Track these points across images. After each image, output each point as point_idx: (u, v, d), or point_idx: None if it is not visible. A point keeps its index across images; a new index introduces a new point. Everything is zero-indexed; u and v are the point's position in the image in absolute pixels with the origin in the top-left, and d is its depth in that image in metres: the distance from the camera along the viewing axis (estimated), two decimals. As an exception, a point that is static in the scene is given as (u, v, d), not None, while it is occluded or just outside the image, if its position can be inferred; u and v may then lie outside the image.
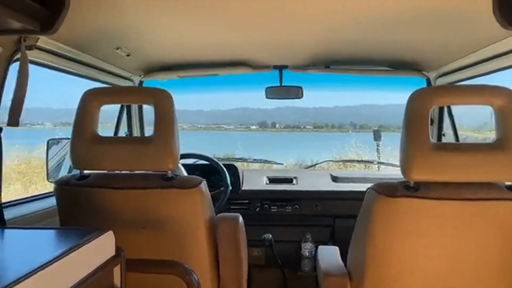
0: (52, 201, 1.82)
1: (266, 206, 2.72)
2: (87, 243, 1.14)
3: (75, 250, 1.07)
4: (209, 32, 1.91)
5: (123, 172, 1.60)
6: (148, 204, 1.52)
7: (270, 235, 2.54)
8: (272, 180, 2.89)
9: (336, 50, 2.21)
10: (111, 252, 1.29)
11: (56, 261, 0.97)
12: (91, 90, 1.56)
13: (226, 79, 2.72)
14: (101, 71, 2.17)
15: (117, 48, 1.96)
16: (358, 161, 3.85)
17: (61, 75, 1.92)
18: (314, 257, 2.62)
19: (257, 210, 2.72)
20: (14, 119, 1.39)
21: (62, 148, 2.57)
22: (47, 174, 2.40)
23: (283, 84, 2.63)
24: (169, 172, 1.53)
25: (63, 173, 2.43)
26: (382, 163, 3.22)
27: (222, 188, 2.49)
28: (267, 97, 2.67)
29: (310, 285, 2.71)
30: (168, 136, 1.50)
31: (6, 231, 1.32)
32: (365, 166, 4.29)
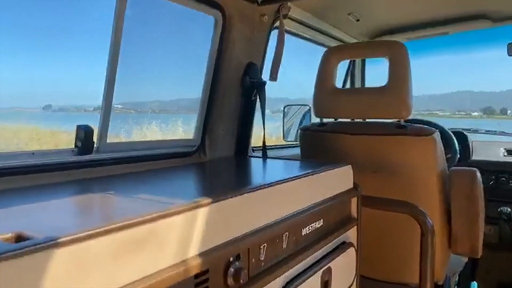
0: (294, 151, 2.17)
1: (503, 179, 2.40)
2: (329, 170, 1.34)
3: (318, 172, 1.27)
4: None
5: (357, 120, 1.76)
6: (380, 149, 1.62)
7: (509, 209, 2.24)
8: (511, 152, 2.53)
9: None
10: (349, 185, 1.46)
11: (303, 177, 1.19)
12: (331, 48, 1.77)
13: (457, 39, 2.51)
14: (330, 37, 2.39)
15: (349, 14, 2.12)
16: None
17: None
18: None
19: (490, 183, 2.44)
20: (274, 76, 1.73)
21: (294, 113, 2.98)
22: (283, 135, 2.85)
23: (533, 37, 2.24)
24: (402, 120, 1.58)
25: (293, 131, 2.84)
26: None
27: (449, 155, 2.35)
28: (509, 55, 2.32)
29: None
30: (403, 85, 1.55)
31: (268, 160, 1.67)
32: None
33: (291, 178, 1.12)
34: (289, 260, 1.06)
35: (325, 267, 1.22)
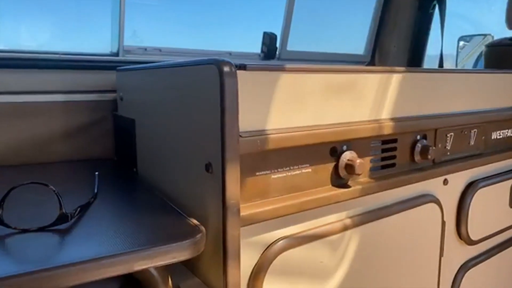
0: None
1: None
2: None
3: None
4: None
5: None
6: None
7: None
8: None
9: None
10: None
11: (496, 73, 1.06)
12: None
13: None
14: None
15: None
16: None
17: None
18: None
19: None
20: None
21: (474, 46, 2.63)
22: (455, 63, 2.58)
23: None
24: None
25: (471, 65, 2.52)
26: None
27: None
28: None
29: None
30: None
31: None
32: None
33: (481, 70, 1.03)
34: (476, 158, 0.99)
35: (516, 179, 1.11)
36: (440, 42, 1.61)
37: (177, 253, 0.50)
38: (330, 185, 0.71)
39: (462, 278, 0.99)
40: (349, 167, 0.70)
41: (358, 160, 0.69)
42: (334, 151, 0.71)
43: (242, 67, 0.57)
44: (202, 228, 0.54)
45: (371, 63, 1.60)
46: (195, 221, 0.56)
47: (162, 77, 0.72)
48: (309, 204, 0.66)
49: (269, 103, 0.61)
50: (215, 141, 0.55)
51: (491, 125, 1.04)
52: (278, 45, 1.35)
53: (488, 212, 1.04)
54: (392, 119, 0.79)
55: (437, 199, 0.90)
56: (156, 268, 0.57)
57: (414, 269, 0.88)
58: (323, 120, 0.68)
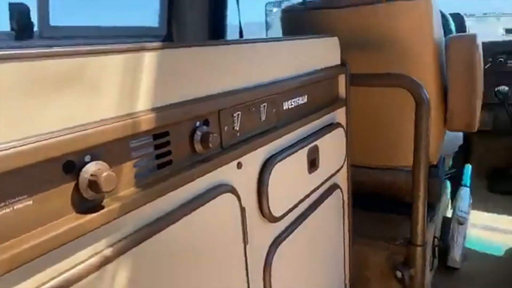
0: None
1: (501, 60, 2.27)
2: (312, 39, 1.19)
3: (301, 39, 1.13)
4: None
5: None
6: (369, 22, 1.45)
7: (507, 88, 2.14)
8: (510, 31, 2.37)
9: None
10: (336, 60, 1.32)
11: (283, 40, 1.05)
12: None
13: None
14: None
15: None
16: None
17: None
18: None
19: (487, 66, 2.31)
20: None
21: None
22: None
23: None
24: None
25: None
26: None
27: None
28: None
29: None
30: None
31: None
32: None
33: (267, 39, 0.97)
34: (269, 133, 0.95)
35: (312, 145, 1.13)
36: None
37: None
38: (74, 213, 0.53)
39: (273, 257, 0.97)
40: (95, 185, 0.53)
41: (105, 173, 0.52)
42: (70, 166, 0.52)
43: None
44: None
45: (168, 35, 1.43)
46: None
47: None
48: (35, 251, 0.47)
49: None
50: None
51: (281, 96, 1.01)
52: (37, 19, 1.06)
53: (289, 184, 1.02)
54: (156, 108, 0.64)
55: (232, 186, 0.81)
56: None
57: (219, 270, 0.79)
58: (43, 127, 0.48)
